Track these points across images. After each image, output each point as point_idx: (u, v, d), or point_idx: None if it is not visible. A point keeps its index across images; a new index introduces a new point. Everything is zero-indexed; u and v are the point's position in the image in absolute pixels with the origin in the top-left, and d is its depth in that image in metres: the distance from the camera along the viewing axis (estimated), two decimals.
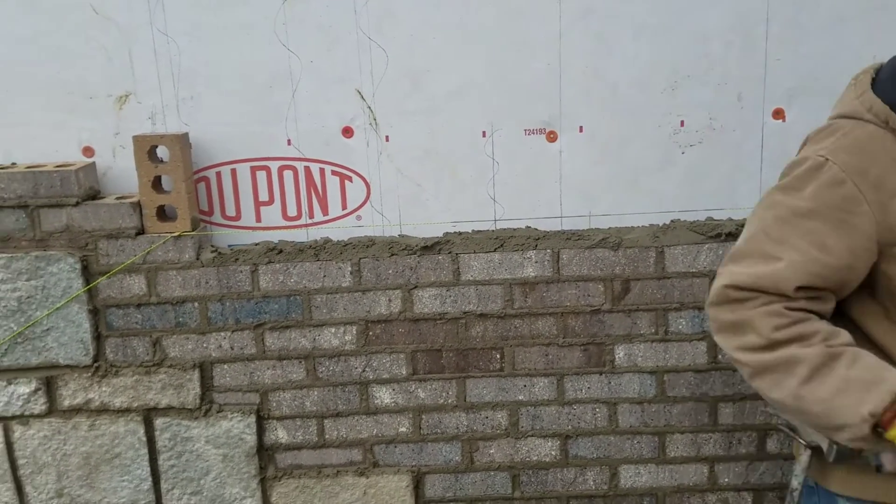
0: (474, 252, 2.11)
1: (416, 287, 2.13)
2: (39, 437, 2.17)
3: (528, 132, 2.10)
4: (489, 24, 2.03)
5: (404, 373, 2.19)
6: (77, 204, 2.02)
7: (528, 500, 2.28)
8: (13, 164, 2.10)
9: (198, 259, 2.09)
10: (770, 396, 1.23)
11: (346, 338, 2.16)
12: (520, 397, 2.20)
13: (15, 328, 2.09)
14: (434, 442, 2.24)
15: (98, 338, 2.12)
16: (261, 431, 2.21)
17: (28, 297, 2.07)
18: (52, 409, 2.16)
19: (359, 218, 2.17)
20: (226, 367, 2.16)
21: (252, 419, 2.18)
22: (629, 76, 2.05)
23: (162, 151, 2.04)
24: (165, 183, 2.06)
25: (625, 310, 2.13)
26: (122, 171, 2.11)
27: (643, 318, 2.13)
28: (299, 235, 2.17)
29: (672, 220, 2.14)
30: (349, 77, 2.07)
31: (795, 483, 1.45)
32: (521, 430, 2.23)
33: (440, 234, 2.14)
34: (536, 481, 2.26)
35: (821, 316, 1.24)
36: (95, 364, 2.13)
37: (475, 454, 2.25)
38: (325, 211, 2.16)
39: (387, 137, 2.11)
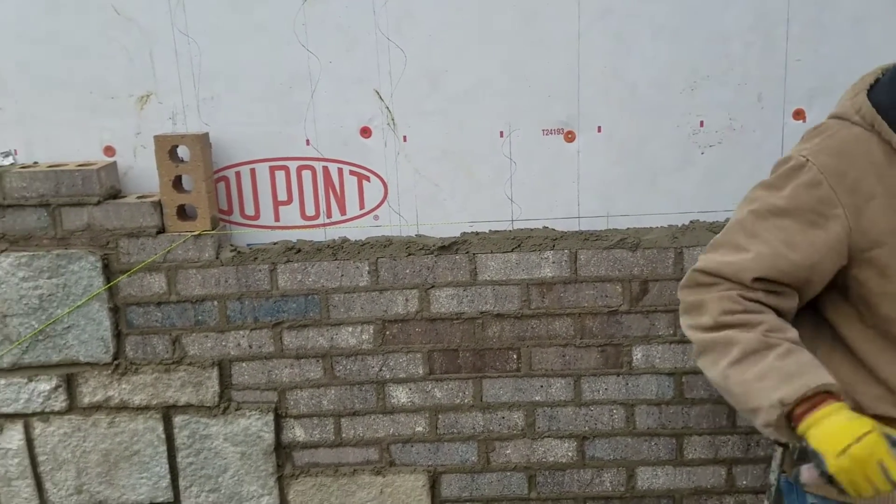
0: (491, 252, 2.12)
1: (433, 287, 2.14)
2: (59, 434, 2.19)
3: (545, 132, 2.10)
4: (507, 24, 2.03)
5: (421, 372, 2.19)
6: (98, 203, 2.04)
7: (545, 500, 2.27)
8: (35, 162, 2.12)
9: (217, 258, 2.10)
10: (708, 375, 1.29)
11: (364, 337, 2.17)
12: (536, 398, 2.20)
13: (36, 326, 2.11)
14: (450, 442, 2.24)
15: (118, 336, 2.14)
16: (278, 429, 2.22)
17: (49, 295, 2.09)
18: (72, 407, 2.18)
19: (376, 218, 2.18)
20: (244, 365, 2.18)
21: (270, 417, 2.19)
22: (648, 76, 2.05)
23: (182, 151, 2.06)
24: (186, 182, 2.08)
25: (643, 311, 2.12)
26: (142, 171, 2.12)
27: (661, 319, 2.12)
28: (317, 235, 2.18)
29: (691, 221, 2.13)
30: (368, 77, 2.08)
31: (772, 478, 1.50)
32: (538, 431, 2.22)
33: (457, 234, 2.15)
34: (553, 482, 2.26)
35: (779, 312, 1.27)
36: (115, 362, 2.15)
37: (491, 454, 2.25)
38: (342, 210, 2.17)
39: (404, 137, 2.12)
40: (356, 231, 2.17)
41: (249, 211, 2.17)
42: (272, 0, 2.02)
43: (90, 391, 2.17)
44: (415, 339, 2.17)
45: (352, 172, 2.15)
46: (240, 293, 2.12)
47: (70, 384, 2.17)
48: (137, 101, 2.09)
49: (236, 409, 2.19)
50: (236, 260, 2.11)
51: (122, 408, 2.18)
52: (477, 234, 2.15)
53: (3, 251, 2.07)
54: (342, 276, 2.13)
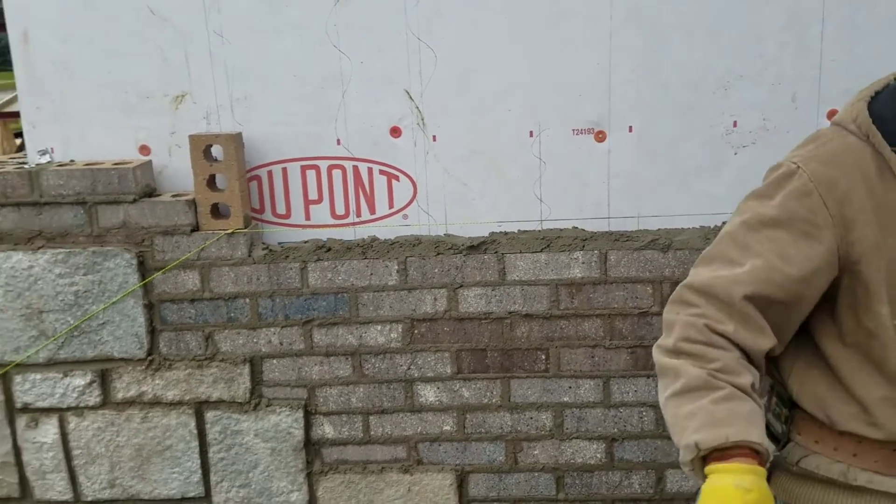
0: (520, 252, 2.12)
1: (461, 286, 2.14)
2: (93, 428, 2.23)
3: (576, 132, 2.10)
4: (538, 23, 2.03)
5: (449, 371, 2.20)
6: (134, 201, 2.07)
7: (573, 502, 2.27)
8: (71, 161, 2.16)
9: (249, 256, 2.12)
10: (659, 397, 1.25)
11: (392, 335, 2.18)
12: (565, 399, 2.20)
13: (72, 321, 2.15)
14: (478, 441, 2.24)
15: (152, 332, 2.17)
16: (308, 426, 2.24)
17: (85, 292, 2.13)
18: (106, 402, 2.22)
19: (405, 217, 2.19)
20: (275, 362, 2.20)
21: (300, 414, 2.21)
22: (681, 75, 2.04)
23: (216, 150, 2.08)
24: (219, 181, 2.11)
25: None
26: (176, 170, 2.15)
27: None
28: (347, 234, 2.19)
29: (723, 222, 2.11)
30: (398, 77, 2.09)
31: None
32: (566, 432, 2.22)
33: (486, 234, 2.15)
34: (581, 483, 2.25)
35: (747, 354, 1.20)
36: (149, 357, 2.18)
37: (519, 454, 2.25)
38: (372, 210, 2.19)
39: (434, 137, 2.13)
40: (385, 230, 2.18)
41: (281, 210, 2.19)
42: (305, 1, 2.04)
43: (124, 386, 2.20)
44: (443, 339, 2.18)
45: (381, 172, 2.16)
46: (271, 291, 2.15)
47: (104, 379, 2.20)
48: (172, 100, 2.12)
49: (267, 406, 2.21)
50: (268, 258, 2.13)
51: (155, 403, 2.21)
52: (506, 233, 2.15)
53: (40, 248, 2.11)
54: (371, 274, 2.14)
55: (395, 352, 2.19)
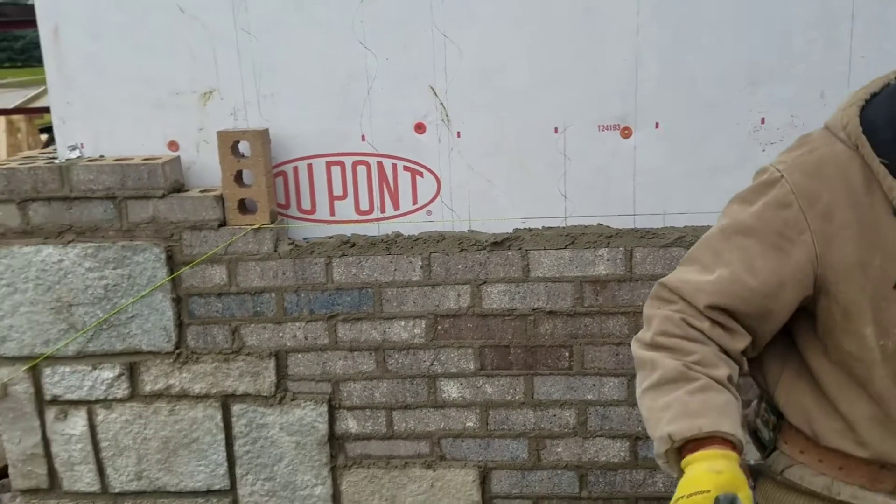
0: (544, 249, 2.12)
1: (485, 282, 2.15)
2: (121, 420, 2.26)
3: (601, 128, 2.09)
4: (563, 19, 2.03)
5: (472, 368, 2.20)
6: (163, 196, 2.10)
7: (596, 500, 2.26)
8: (101, 156, 2.19)
9: (275, 251, 2.14)
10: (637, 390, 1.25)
11: (416, 331, 2.19)
12: (588, 396, 2.20)
13: (101, 315, 2.18)
14: (501, 438, 2.25)
15: (180, 325, 2.20)
16: (332, 420, 2.25)
17: (114, 285, 2.16)
18: (134, 394, 2.25)
19: (429, 213, 2.19)
20: (300, 356, 2.22)
21: (324, 408, 2.23)
22: (708, 72, 2.02)
23: (244, 146, 2.10)
24: (246, 177, 2.12)
25: None
26: (204, 166, 2.18)
27: None
28: (371, 229, 2.21)
29: None
30: (423, 73, 2.09)
31: None
32: (590, 430, 2.21)
33: (510, 230, 2.15)
34: (604, 481, 2.25)
35: (726, 351, 1.18)
36: (177, 351, 2.21)
37: (542, 452, 2.24)
38: (396, 206, 2.20)
39: (458, 133, 2.13)
40: (409, 226, 2.19)
41: (306, 205, 2.21)
42: None
43: (152, 379, 2.23)
44: (466, 335, 2.18)
45: (406, 168, 2.17)
46: (296, 286, 2.16)
47: (132, 372, 2.23)
48: (201, 97, 2.14)
49: (292, 400, 2.23)
50: (293, 253, 2.15)
51: (183, 396, 2.24)
52: (530, 230, 2.15)
53: (70, 242, 2.14)
54: (395, 270, 2.15)
55: (418, 347, 2.20)
